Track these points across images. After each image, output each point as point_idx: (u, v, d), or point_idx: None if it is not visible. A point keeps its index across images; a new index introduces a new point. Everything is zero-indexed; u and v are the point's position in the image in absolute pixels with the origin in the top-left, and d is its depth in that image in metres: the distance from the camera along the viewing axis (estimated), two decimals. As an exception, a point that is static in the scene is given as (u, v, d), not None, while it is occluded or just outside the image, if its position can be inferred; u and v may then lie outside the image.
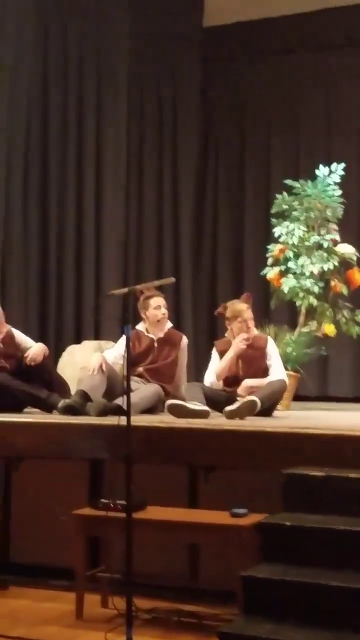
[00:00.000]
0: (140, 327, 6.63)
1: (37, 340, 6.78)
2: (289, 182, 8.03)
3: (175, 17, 9.64)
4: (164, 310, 6.59)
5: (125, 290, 4.71)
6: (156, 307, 6.57)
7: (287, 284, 7.63)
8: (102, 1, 8.88)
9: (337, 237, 7.80)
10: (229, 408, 5.74)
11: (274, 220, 7.97)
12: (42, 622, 4.72)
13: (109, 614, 4.82)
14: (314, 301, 7.62)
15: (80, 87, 8.83)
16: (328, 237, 7.75)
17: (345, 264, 7.76)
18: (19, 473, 5.73)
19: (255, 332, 6.44)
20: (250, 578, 4.13)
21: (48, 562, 5.48)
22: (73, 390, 6.42)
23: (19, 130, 8.04)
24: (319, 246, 7.73)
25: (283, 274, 7.75)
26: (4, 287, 7.69)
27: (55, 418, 5.95)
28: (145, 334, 6.60)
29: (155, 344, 6.57)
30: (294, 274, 7.67)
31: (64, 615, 4.81)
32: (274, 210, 8.00)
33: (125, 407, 4.38)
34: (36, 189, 8.45)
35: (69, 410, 6.01)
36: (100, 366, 6.28)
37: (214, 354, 6.41)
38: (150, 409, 6.24)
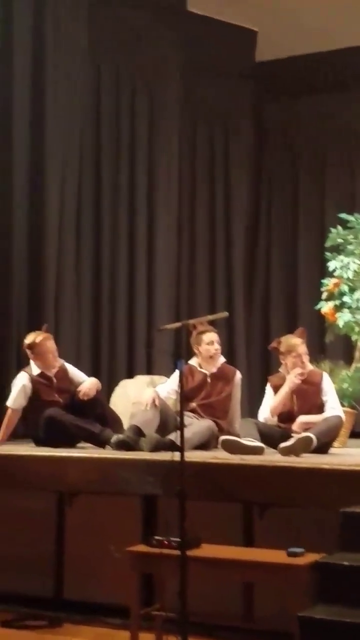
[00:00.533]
0: (193, 362, 6.60)
1: (89, 375, 6.79)
2: (343, 215, 7.98)
3: (227, 52, 9.67)
4: (216, 346, 6.54)
5: (178, 324, 4.72)
6: (209, 342, 6.53)
7: (342, 318, 7.54)
8: (153, 37, 8.96)
9: (393, 271, 7.71)
10: (284, 444, 5.67)
11: (328, 254, 7.91)
12: (96, 661, 4.69)
13: (163, 653, 4.76)
14: (369, 336, 7.53)
15: (132, 123, 8.89)
16: (384, 270, 7.66)
17: None
18: (72, 508, 5.71)
19: (310, 367, 6.36)
20: (307, 619, 4.06)
21: (102, 599, 5.44)
22: (126, 425, 6.41)
23: (72, 166, 8.10)
24: (375, 280, 7.65)
25: (338, 308, 7.66)
26: (57, 322, 7.72)
27: (108, 453, 5.94)
28: (199, 369, 6.56)
29: (209, 379, 6.53)
30: (349, 308, 7.59)
31: (118, 654, 4.77)
32: (328, 244, 7.96)
33: (178, 442, 4.35)
34: (89, 223, 8.50)
35: (122, 445, 5.99)
36: (153, 401, 6.26)
37: (268, 389, 6.34)
38: (204, 445, 6.18)
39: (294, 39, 9.35)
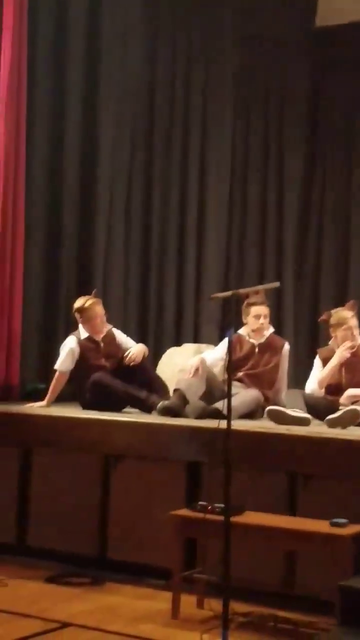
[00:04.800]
0: (242, 331, 6.61)
1: (137, 341, 6.83)
2: None
3: (285, 19, 9.43)
4: (262, 321, 6.52)
5: (229, 293, 4.69)
6: (255, 315, 6.53)
7: (394, 291, 7.50)
8: (208, 6, 8.87)
9: None
10: (331, 416, 5.67)
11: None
12: (138, 619, 4.74)
13: (204, 615, 4.82)
14: None
15: (187, 93, 8.83)
16: None
17: None
18: (117, 471, 5.77)
19: (360, 340, 6.34)
20: (348, 588, 4.10)
21: (145, 560, 5.51)
22: (171, 393, 6.44)
23: (124, 141, 8.13)
24: None
25: (390, 281, 7.62)
26: (105, 288, 7.77)
27: (154, 418, 5.98)
28: (247, 339, 6.57)
29: (257, 350, 6.54)
30: None
31: (160, 614, 4.83)
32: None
33: (224, 411, 4.38)
34: (139, 190, 8.48)
35: (168, 411, 6.04)
36: (197, 369, 6.27)
37: (317, 361, 6.34)
38: (250, 414, 6.21)
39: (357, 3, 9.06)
